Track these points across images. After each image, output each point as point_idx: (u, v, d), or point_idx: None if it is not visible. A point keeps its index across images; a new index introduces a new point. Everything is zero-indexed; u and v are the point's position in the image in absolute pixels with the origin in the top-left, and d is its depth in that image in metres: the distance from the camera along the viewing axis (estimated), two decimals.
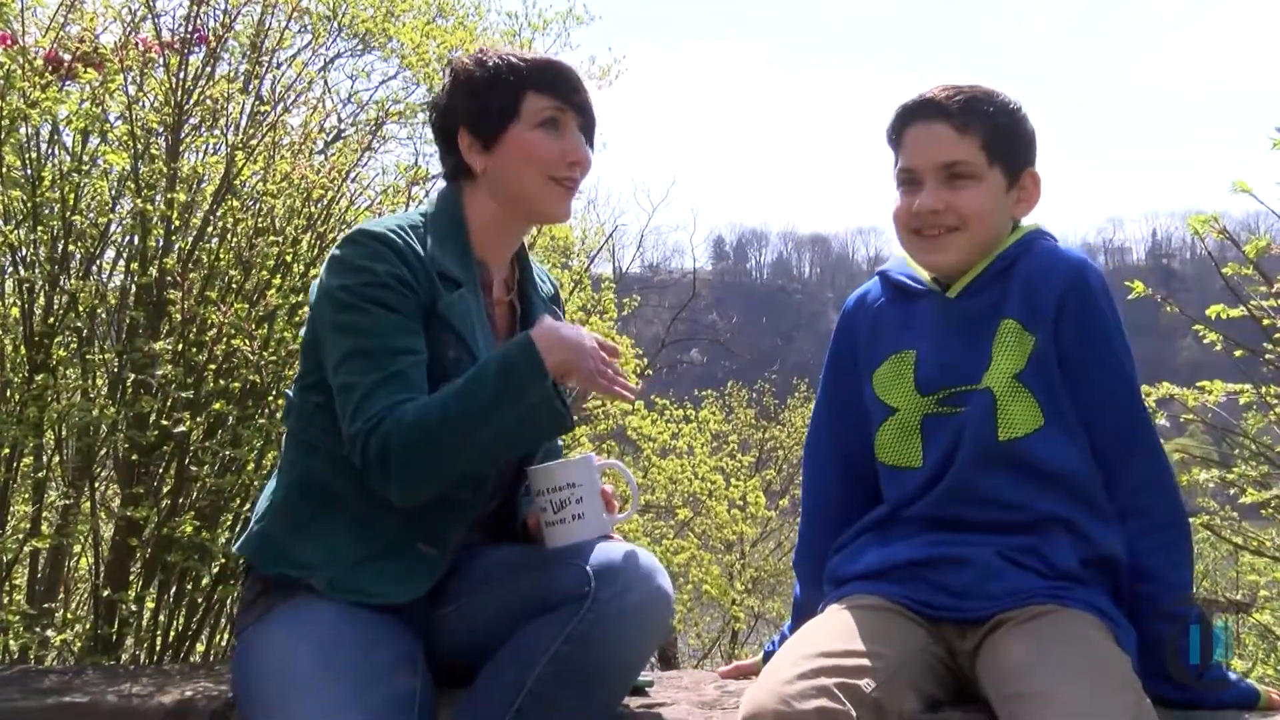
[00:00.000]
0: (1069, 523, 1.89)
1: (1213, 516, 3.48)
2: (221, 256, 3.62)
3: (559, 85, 2.03)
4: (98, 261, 3.71)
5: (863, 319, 2.11)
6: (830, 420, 2.16)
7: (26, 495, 3.61)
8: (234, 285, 3.59)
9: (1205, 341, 3.12)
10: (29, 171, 3.45)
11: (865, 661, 1.71)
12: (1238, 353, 3.14)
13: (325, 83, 5.13)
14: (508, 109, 2.01)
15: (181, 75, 3.64)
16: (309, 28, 5.32)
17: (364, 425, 1.81)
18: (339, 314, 1.89)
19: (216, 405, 3.34)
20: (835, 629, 1.82)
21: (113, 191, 3.68)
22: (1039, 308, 1.92)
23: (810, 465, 2.20)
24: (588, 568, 1.79)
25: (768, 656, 2.22)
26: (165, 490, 3.44)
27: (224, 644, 3.71)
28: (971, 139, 1.94)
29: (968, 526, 1.90)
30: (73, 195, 3.44)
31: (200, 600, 3.50)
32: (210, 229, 3.63)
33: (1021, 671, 1.70)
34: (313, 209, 3.68)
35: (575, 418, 1.93)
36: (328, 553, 1.90)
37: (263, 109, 4.13)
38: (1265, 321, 3.06)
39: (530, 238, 5.51)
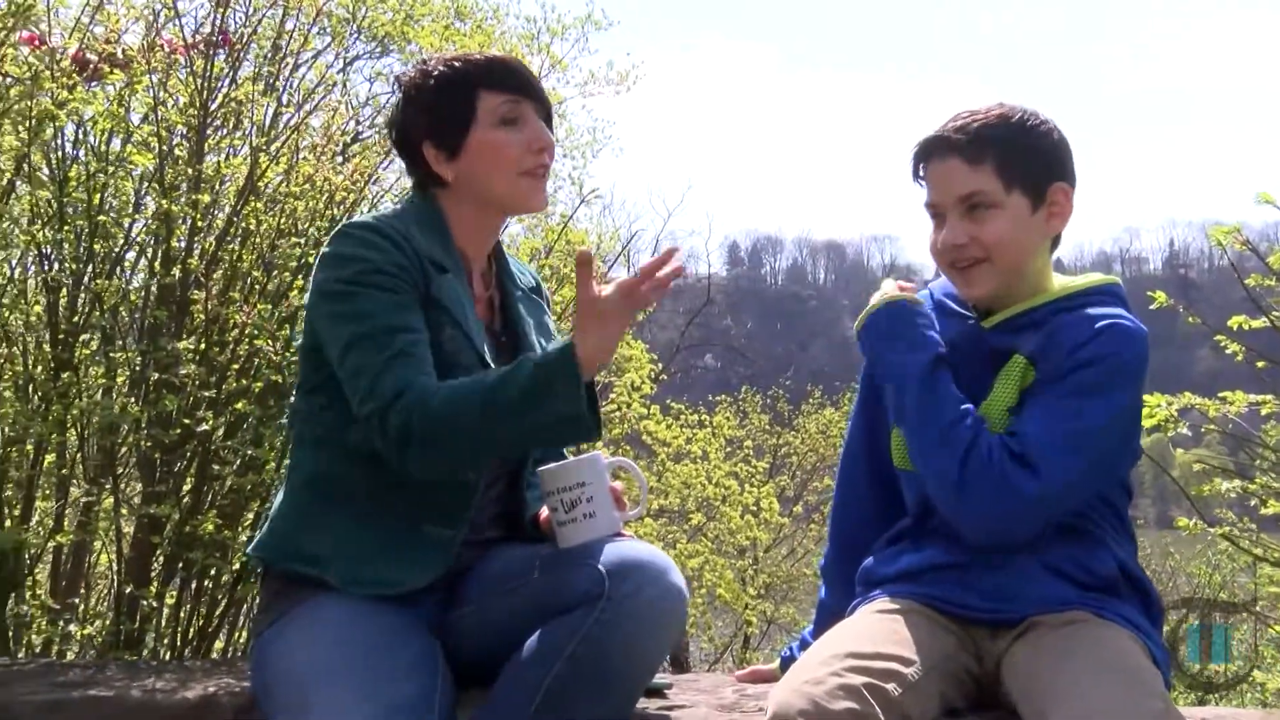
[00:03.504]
0: (1097, 537, 1.91)
1: (1232, 527, 3.47)
2: (244, 257, 3.64)
3: (509, 79, 2.02)
4: (121, 261, 3.75)
5: None
6: (865, 431, 2.17)
7: (49, 492, 3.64)
8: (257, 286, 3.61)
9: (1228, 352, 3.11)
10: (55, 172, 3.49)
11: (894, 666, 1.71)
12: (1260, 364, 3.14)
13: (344, 85, 5.15)
14: (464, 113, 2.00)
15: (207, 76, 3.67)
16: (328, 30, 5.34)
17: (380, 403, 1.82)
18: (335, 304, 1.90)
19: (239, 405, 3.36)
20: (865, 631, 1.83)
21: (137, 192, 3.72)
22: (1053, 347, 1.91)
23: (845, 473, 2.22)
24: (601, 567, 1.79)
25: (784, 663, 2.22)
26: (187, 488, 3.47)
27: (243, 641, 3.73)
28: (985, 168, 1.92)
29: None
30: (98, 196, 3.47)
31: (221, 597, 3.52)
32: (233, 230, 3.65)
33: (1049, 674, 1.71)
34: (335, 211, 3.71)
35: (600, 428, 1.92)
36: (337, 543, 1.92)
37: (285, 111, 4.15)
38: None
39: (549, 242, 5.53)
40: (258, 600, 2.16)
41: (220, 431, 3.39)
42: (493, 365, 1.99)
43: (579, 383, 1.78)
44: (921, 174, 2.01)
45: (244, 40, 4.01)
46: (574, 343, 1.79)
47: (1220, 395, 3.14)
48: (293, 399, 2.08)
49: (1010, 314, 1.99)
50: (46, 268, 3.52)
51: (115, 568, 3.57)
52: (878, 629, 1.83)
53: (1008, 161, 1.92)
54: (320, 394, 1.97)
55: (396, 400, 1.81)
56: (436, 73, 2.02)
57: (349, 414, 1.89)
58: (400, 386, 1.82)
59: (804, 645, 2.19)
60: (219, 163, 3.68)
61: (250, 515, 3.55)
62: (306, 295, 2.00)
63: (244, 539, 3.37)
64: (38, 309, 3.66)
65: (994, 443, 1.84)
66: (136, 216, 3.67)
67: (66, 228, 3.43)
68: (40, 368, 3.46)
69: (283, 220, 3.68)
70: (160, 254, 3.58)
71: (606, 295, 1.79)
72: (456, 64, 2.02)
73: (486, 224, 2.10)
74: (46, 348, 3.46)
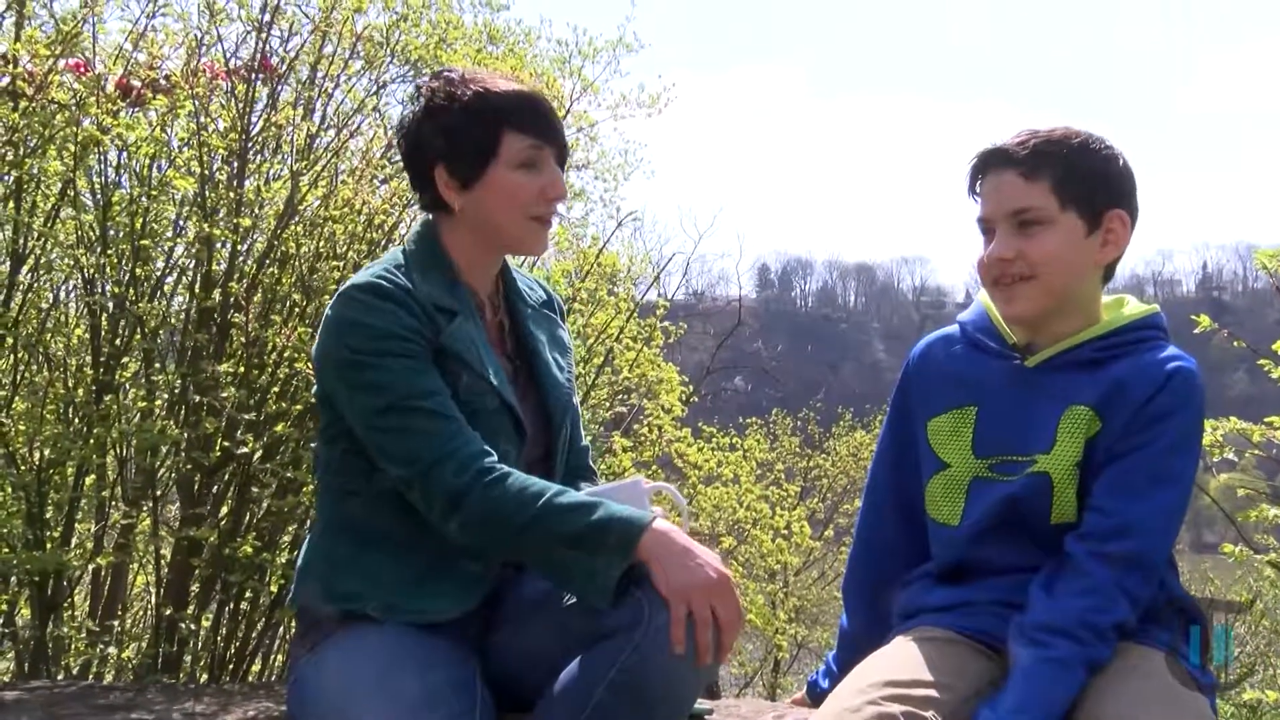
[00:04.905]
0: None
1: (1278, 553, 3.43)
2: (284, 281, 3.67)
3: (536, 123, 1.98)
4: (162, 285, 3.78)
5: (928, 364, 2.07)
6: (891, 464, 2.13)
7: (89, 513, 3.67)
8: (296, 309, 3.64)
9: (1273, 377, 3.08)
10: (99, 196, 3.54)
11: (932, 693, 1.70)
12: None
13: (378, 110, 5.19)
14: (485, 148, 1.96)
15: (248, 101, 3.71)
16: (361, 54, 5.39)
17: (421, 466, 1.82)
18: (349, 372, 1.88)
19: (278, 427, 3.38)
20: (903, 659, 1.81)
21: (177, 216, 3.76)
22: (1121, 398, 1.86)
23: (869, 504, 2.19)
24: (641, 594, 1.78)
25: (811, 687, 2.21)
26: (225, 510, 3.49)
27: (280, 664, 3.74)
28: (1041, 184, 1.87)
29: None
30: (140, 220, 3.51)
31: (258, 619, 3.53)
32: (273, 254, 3.68)
33: (1089, 703, 1.69)
34: (374, 235, 3.73)
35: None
36: (372, 582, 1.91)
37: (323, 135, 4.19)
38: None
39: (582, 266, 5.54)
40: (295, 625, 2.16)
41: (259, 454, 3.40)
42: (512, 398, 1.99)
43: (627, 555, 1.76)
44: (977, 189, 1.96)
45: (284, 66, 4.05)
46: (650, 527, 1.77)
47: (1266, 420, 3.11)
48: (315, 445, 2.07)
49: (1054, 351, 1.94)
50: (89, 292, 3.56)
51: (153, 590, 3.59)
52: (916, 657, 1.81)
53: (1065, 180, 1.88)
54: (343, 440, 1.95)
55: (443, 463, 1.81)
56: (464, 98, 1.97)
57: (372, 460, 1.89)
58: (444, 449, 1.82)
59: (828, 671, 2.18)
60: (259, 187, 3.71)
61: (288, 538, 3.56)
62: (314, 348, 1.98)
63: (282, 561, 3.38)
64: (79, 332, 3.70)
65: (1100, 581, 1.77)
66: (177, 240, 3.70)
67: (109, 252, 3.47)
68: (81, 390, 3.49)
69: (321, 244, 3.71)
70: (201, 277, 3.62)
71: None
72: (484, 94, 1.97)
73: (488, 258, 2.08)
74: (88, 371, 3.50)
